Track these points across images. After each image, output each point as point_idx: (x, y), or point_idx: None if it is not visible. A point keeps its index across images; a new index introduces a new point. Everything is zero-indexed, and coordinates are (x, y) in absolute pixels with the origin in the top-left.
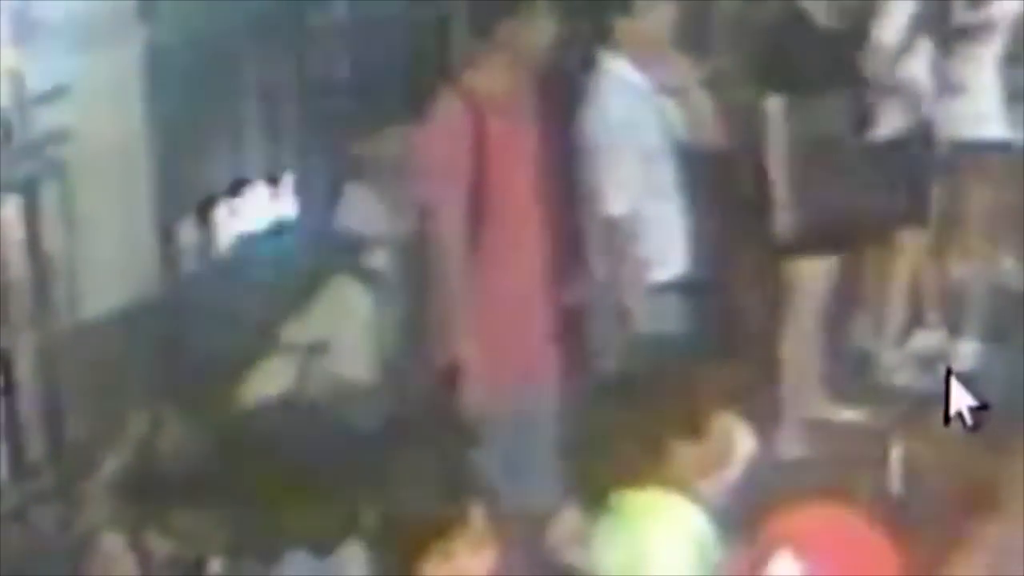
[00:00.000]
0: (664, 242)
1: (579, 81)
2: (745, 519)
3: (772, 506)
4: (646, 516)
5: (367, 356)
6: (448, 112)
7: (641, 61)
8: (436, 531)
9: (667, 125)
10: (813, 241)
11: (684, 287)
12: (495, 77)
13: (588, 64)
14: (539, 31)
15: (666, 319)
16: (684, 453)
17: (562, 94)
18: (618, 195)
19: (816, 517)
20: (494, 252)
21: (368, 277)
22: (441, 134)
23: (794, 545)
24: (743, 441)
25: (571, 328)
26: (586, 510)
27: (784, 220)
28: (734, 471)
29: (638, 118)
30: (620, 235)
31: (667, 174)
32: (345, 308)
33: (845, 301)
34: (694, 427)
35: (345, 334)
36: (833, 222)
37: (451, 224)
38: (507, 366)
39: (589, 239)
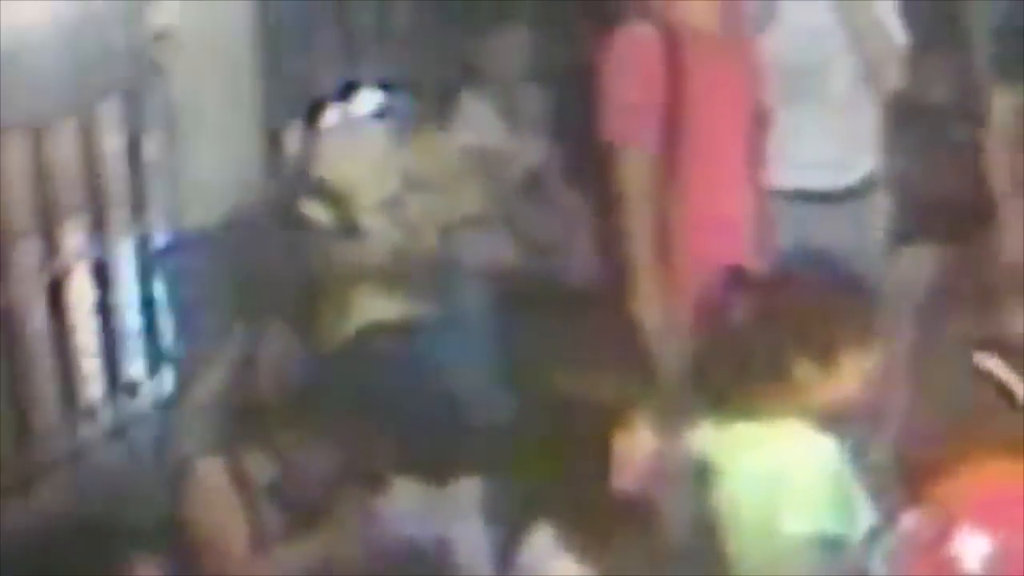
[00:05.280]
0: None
1: None
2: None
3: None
4: (779, 450)
5: None
6: (637, 44)
7: None
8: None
9: None
10: None
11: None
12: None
13: None
14: None
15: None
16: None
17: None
18: None
19: (1001, 475)
20: (694, 190)
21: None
22: (628, 69)
23: (978, 513)
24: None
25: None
26: (715, 438)
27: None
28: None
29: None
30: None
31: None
32: None
33: None
34: (827, 358)
35: None
36: None
37: (638, 166)
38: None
39: None
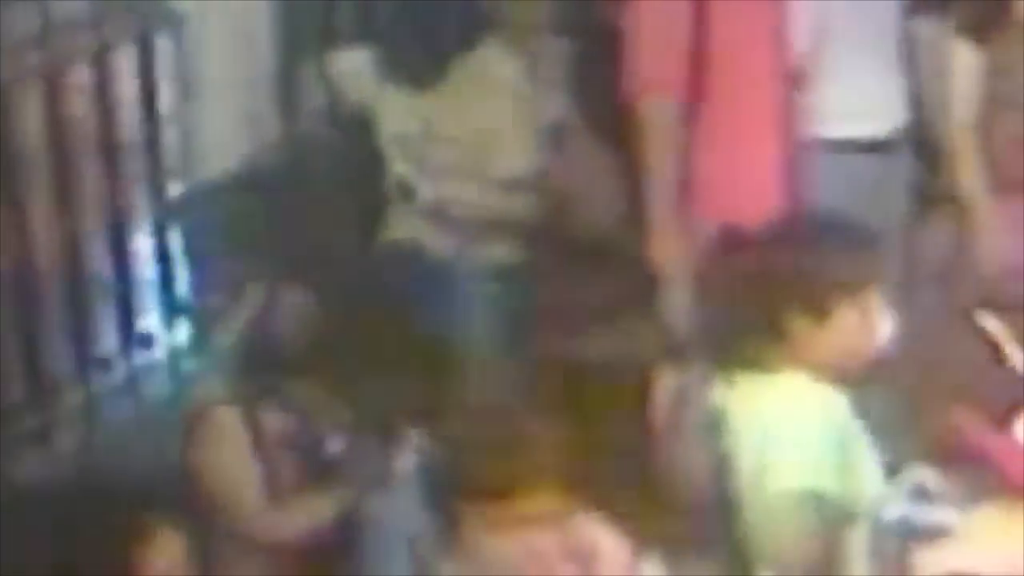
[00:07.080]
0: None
1: None
2: None
3: None
4: (779, 399)
5: None
6: None
7: None
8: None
9: None
10: None
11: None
12: None
13: None
14: None
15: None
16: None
17: None
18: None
19: None
20: (718, 144)
21: None
22: (652, 15)
23: None
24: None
25: None
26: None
27: None
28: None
29: None
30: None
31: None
32: None
33: None
34: (818, 310)
35: None
36: None
37: (659, 117)
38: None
39: None
